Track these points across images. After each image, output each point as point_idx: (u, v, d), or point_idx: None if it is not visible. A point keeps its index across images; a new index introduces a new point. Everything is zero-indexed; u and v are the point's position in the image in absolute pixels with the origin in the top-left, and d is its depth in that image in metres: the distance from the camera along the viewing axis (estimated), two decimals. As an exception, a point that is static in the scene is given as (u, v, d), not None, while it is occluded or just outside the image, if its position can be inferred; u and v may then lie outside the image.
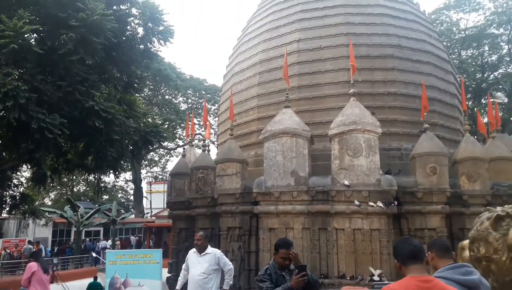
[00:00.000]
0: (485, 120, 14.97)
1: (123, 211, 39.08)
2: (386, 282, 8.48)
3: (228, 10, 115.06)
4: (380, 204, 9.63)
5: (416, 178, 10.16)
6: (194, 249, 6.20)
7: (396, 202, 9.87)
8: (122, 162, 15.57)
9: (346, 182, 9.93)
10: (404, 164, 11.20)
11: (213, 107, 38.44)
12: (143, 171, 45.38)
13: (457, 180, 10.46)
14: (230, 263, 6.27)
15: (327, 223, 10.00)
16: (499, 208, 3.27)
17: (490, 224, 3.20)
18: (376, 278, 9.13)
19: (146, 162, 45.42)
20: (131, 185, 44.59)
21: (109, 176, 19.94)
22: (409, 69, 12.71)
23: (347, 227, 9.78)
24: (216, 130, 24.57)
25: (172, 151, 44.40)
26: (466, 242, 3.73)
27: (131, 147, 14.85)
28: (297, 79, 12.86)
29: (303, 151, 10.54)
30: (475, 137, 13.49)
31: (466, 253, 3.66)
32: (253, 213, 10.67)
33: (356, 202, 9.74)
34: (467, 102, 29.58)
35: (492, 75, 34.18)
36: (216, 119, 25.81)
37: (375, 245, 9.55)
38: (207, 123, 20.32)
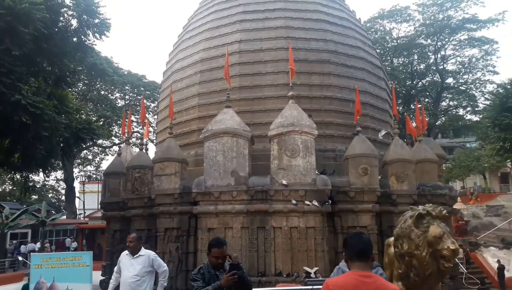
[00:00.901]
0: (414, 124, 16.06)
1: (53, 212, 36.83)
2: (321, 279, 8.78)
3: (170, 5, 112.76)
4: (315, 203, 9.99)
5: (349, 178, 10.66)
6: (126, 251, 6.01)
7: (330, 201, 10.28)
8: (52, 160, 14.66)
9: (284, 182, 10.18)
10: (338, 165, 11.68)
11: (153, 105, 37.43)
12: (76, 170, 43.08)
13: (386, 181, 11.11)
14: (165, 264, 6.14)
15: (265, 222, 10.17)
16: (421, 207, 3.52)
17: (412, 222, 3.44)
18: (312, 275, 9.44)
19: (79, 161, 43.19)
20: (63, 185, 42.13)
21: (38, 175, 18.70)
22: (344, 74, 13.29)
23: (284, 226, 10.01)
24: (155, 128, 23.96)
25: (107, 150, 42.57)
26: (391, 239, 3.98)
27: (61, 145, 14.03)
28: (238, 79, 12.93)
29: (244, 151, 10.63)
30: (404, 140, 14.41)
31: (391, 249, 3.90)
32: (192, 213, 10.56)
33: (293, 201, 10.02)
34: (397, 107, 31.54)
35: (420, 83, 36.72)
36: (156, 117, 25.20)
37: (310, 243, 9.88)
38: (146, 121, 19.76)
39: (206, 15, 15.07)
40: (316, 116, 12.09)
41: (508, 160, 23.94)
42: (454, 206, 14.55)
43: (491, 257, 19.26)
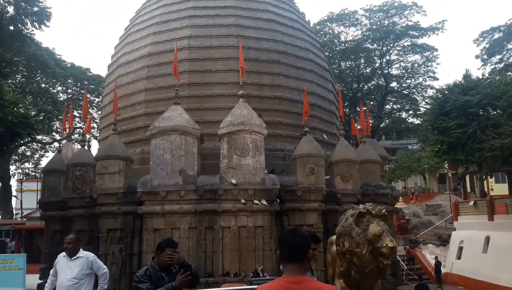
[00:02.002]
0: (359, 126, 16.61)
1: (-14, 212, 34.25)
2: (267, 277, 8.81)
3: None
4: (264, 202, 10.01)
5: (296, 177, 10.79)
6: (63, 253, 5.66)
7: (278, 200, 10.35)
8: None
9: (234, 181, 10.11)
10: (286, 165, 11.80)
11: (97, 99, 35.89)
12: (13, 167, 40.37)
13: (332, 180, 11.37)
14: (105, 266, 5.86)
15: (214, 222, 10.04)
16: (361, 206, 3.60)
17: (353, 220, 3.50)
18: (260, 274, 9.45)
19: (16, 157, 40.51)
20: (-3, 183, 39.31)
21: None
22: (293, 75, 13.46)
23: (233, 225, 9.94)
24: (99, 124, 22.99)
25: (47, 146, 40.29)
26: (334, 237, 4.03)
27: (-5, 140, 13.05)
28: (187, 76, 12.68)
29: (193, 149, 10.42)
30: (350, 141, 14.83)
31: (334, 247, 3.95)
32: (137, 213, 10.20)
33: (242, 201, 9.98)
34: (344, 109, 32.57)
35: (366, 86, 38.17)
36: (100, 112, 24.16)
37: (258, 242, 9.90)
38: (89, 116, 18.86)
39: (154, 9, 14.65)
40: (266, 116, 12.13)
41: (446, 162, 25.42)
42: (396, 205, 15.21)
43: (429, 254, 20.39)
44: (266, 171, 10.53)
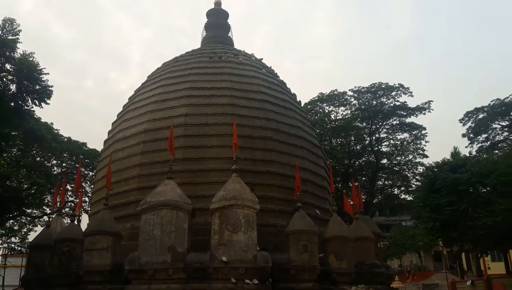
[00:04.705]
0: (351, 202, 16.63)
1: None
2: None
3: (117, 74, 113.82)
4: (255, 281, 9.68)
5: (289, 255, 10.54)
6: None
7: (270, 279, 10.01)
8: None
9: (224, 259, 9.85)
10: (279, 241, 11.60)
11: (91, 173, 35.86)
12: (-2, 241, 39.00)
13: (326, 258, 11.10)
14: None
15: (202, 303, 9.59)
16: (353, 288, 3.56)
17: (345, 302, 3.44)
18: None
19: (3, 231, 39.29)
20: (-21, 258, 37.68)
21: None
22: (286, 151, 13.78)
23: (222, 306, 9.50)
24: (91, 198, 22.76)
25: (36, 220, 39.35)
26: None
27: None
28: (182, 151, 12.92)
29: (183, 225, 10.30)
30: (343, 217, 14.77)
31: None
32: (123, 293, 9.76)
33: (233, 280, 9.64)
34: (336, 185, 32.77)
35: (357, 162, 38.78)
36: (92, 186, 24.04)
37: (249, 325, 9.39)
38: (81, 190, 18.77)
39: (153, 88, 15.33)
40: (259, 191, 12.18)
41: (440, 239, 25.14)
42: (392, 285, 14.74)
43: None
44: (258, 248, 10.31)
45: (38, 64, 12.84)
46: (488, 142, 37.12)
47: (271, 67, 17.44)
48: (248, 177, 12.23)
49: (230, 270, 9.75)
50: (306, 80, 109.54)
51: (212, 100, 14.04)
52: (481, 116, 37.39)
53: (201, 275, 9.81)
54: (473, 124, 37.74)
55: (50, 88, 13.12)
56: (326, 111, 39.29)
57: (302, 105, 18.89)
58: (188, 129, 13.43)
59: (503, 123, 37.07)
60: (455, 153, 25.64)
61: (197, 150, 13.12)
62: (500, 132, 37.37)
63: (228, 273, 9.73)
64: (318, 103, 39.07)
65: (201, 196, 12.16)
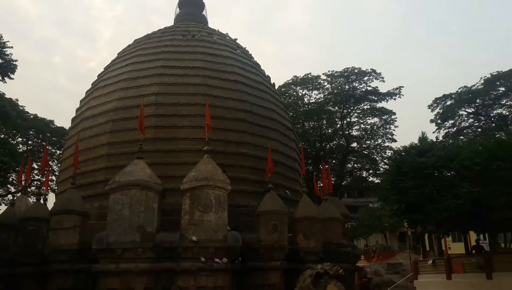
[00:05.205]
0: (321, 184, 16.94)
1: None
2: None
3: (87, 51, 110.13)
4: (225, 260, 9.78)
5: (259, 234, 10.69)
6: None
7: (240, 258, 10.14)
8: None
9: (194, 238, 9.87)
10: (250, 221, 11.70)
11: (58, 152, 34.85)
12: (-42, 222, 37.59)
13: (295, 238, 11.33)
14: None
15: (171, 282, 9.62)
16: (319, 266, 3.64)
17: (311, 281, 3.53)
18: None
19: (-36, 211, 37.87)
20: None
21: None
22: (258, 133, 13.79)
23: (191, 285, 9.56)
24: (58, 177, 22.18)
25: (0, 199, 38.12)
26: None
27: None
28: (153, 131, 12.70)
29: (153, 205, 10.21)
30: (313, 199, 15.03)
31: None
32: (90, 272, 9.66)
33: (202, 259, 9.69)
34: (307, 167, 33.22)
35: (328, 145, 39.35)
36: (60, 165, 23.40)
37: (218, 304, 9.51)
38: (48, 169, 18.24)
39: (124, 66, 14.90)
40: (231, 172, 12.18)
41: (405, 221, 26.05)
42: (358, 264, 15.21)
43: (391, 314, 20.22)
44: (228, 228, 10.39)
45: (1, 37, 12.18)
46: (455, 128, 38.34)
47: (245, 48, 17.26)
48: (220, 158, 12.20)
49: (200, 250, 9.79)
50: (280, 63, 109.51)
51: (184, 80, 13.79)
52: (449, 102, 38.44)
53: (170, 254, 9.81)
54: (441, 110, 38.81)
55: (14, 62, 12.54)
56: (300, 94, 39.46)
57: (276, 87, 18.85)
58: (160, 108, 13.20)
59: (469, 110, 38.31)
60: (423, 138, 26.45)
61: (168, 130, 12.93)
62: (466, 118, 38.64)
63: (198, 252, 9.77)
64: (292, 86, 39.16)
65: (172, 177, 12.04)
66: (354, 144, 39.39)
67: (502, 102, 36.48)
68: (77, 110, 15.50)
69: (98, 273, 9.56)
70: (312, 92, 39.37)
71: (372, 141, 39.40)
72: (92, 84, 15.75)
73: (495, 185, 15.97)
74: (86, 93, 15.68)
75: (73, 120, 15.44)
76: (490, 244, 24.51)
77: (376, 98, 38.08)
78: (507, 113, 36.89)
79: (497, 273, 17.48)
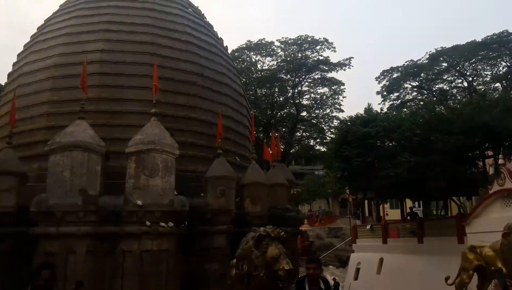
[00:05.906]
0: (270, 151, 17.18)
1: None
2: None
3: (28, 2, 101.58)
4: (171, 224, 9.74)
5: (207, 199, 10.73)
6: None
7: (186, 223, 10.17)
8: None
9: (139, 203, 9.67)
10: (198, 186, 11.67)
11: (-7, 109, 32.48)
12: None
13: (243, 202, 11.52)
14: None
15: (115, 246, 9.47)
16: (262, 228, 3.70)
17: (253, 243, 3.59)
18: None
19: None
20: None
21: None
22: (209, 98, 13.56)
23: (135, 249, 9.44)
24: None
25: None
26: (235, 260, 4.07)
27: None
28: (97, 90, 12.08)
29: (96, 167, 9.84)
30: (262, 165, 15.23)
31: (233, 270, 3.98)
32: (29, 235, 9.26)
33: (147, 223, 9.58)
34: (258, 134, 33.50)
35: (279, 113, 39.78)
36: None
37: (162, 267, 9.52)
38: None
39: (66, 19, 13.86)
40: (180, 136, 11.93)
41: (347, 188, 27.29)
42: (301, 228, 15.87)
43: (329, 275, 21.44)
44: (175, 193, 10.30)
45: None
46: (399, 101, 40.05)
47: (198, 7, 16.62)
48: (168, 122, 11.89)
49: (145, 214, 9.65)
50: (235, 26, 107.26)
51: (131, 37, 13.08)
52: (395, 75, 39.90)
53: (114, 218, 9.58)
54: (387, 83, 40.25)
55: None
56: (253, 60, 39.16)
57: (229, 51, 18.47)
58: (104, 66, 12.51)
59: (414, 84, 40.06)
60: (368, 109, 27.38)
61: (113, 90, 12.34)
62: (410, 91, 40.44)
63: (143, 216, 9.62)
64: (246, 51, 38.70)
65: (117, 139, 11.60)
66: (304, 113, 40.12)
67: (444, 77, 38.44)
68: (14, 64, 14.34)
69: (37, 237, 9.18)
70: (265, 59, 39.23)
71: (321, 111, 40.36)
72: (31, 37, 14.55)
73: (432, 155, 17.00)
74: (24, 46, 14.50)
75: (9, 75, 14.31)
76: (424, 211, 26.42)
77: (327, 68, 38.69)
78: (448, 88, 39.00)
79: (428, 237, 18.92)
